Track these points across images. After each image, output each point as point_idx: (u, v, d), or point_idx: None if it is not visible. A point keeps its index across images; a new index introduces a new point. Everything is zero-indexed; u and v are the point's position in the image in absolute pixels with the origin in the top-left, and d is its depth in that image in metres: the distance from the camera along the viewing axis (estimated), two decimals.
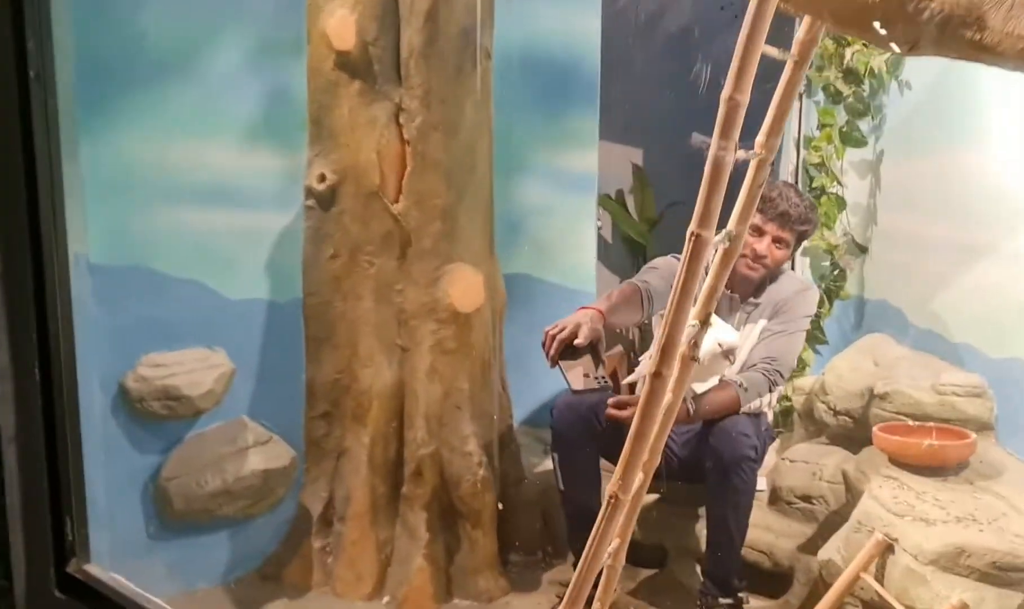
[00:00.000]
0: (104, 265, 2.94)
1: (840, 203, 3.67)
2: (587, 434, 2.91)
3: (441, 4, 3.03)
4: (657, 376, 1.70)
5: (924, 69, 3.36)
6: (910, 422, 2.78)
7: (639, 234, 5.36)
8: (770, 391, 2.92)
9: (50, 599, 2.96)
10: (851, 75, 3.56)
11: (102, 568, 2.54)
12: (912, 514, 2.37)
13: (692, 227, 1.65)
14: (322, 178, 3.08)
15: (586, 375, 2.99)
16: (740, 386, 2.81)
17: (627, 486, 1.81)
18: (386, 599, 3.16)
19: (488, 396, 3.24)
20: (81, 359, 2.82)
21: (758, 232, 2.91)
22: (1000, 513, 2.38)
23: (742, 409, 2.80)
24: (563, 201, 3.81)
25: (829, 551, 2.62)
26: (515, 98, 3.52)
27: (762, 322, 2.98)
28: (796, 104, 3.85)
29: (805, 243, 3.80)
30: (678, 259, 2.96)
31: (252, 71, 3.04)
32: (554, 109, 3.73)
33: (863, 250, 3.69)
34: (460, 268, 3.16)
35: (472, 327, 3.18)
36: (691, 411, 2.73)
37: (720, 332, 2.63)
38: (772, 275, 3.03)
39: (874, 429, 2.71)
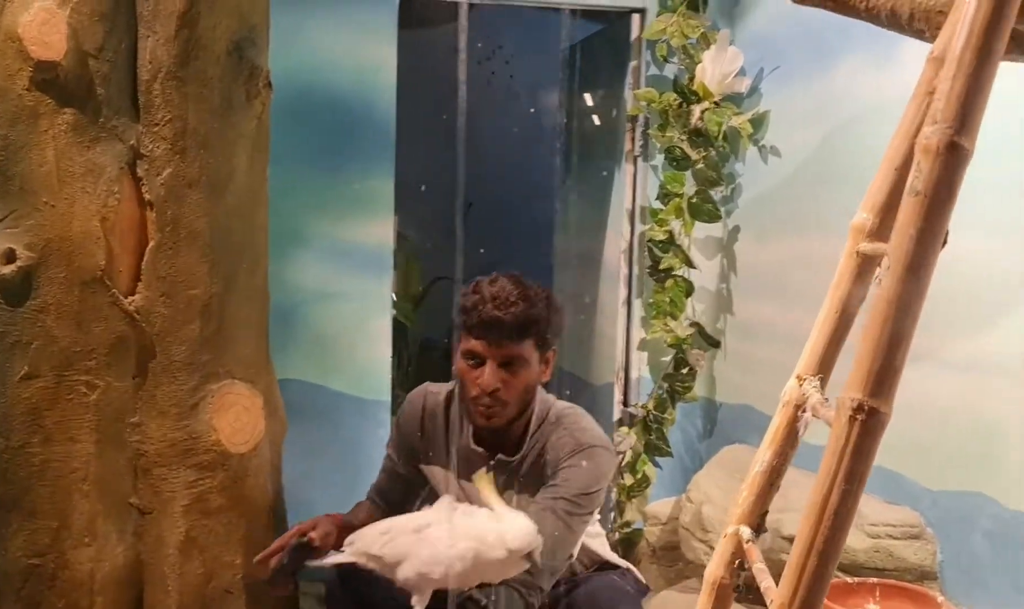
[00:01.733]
0: None
1: (687, 287, 3.09)
2: None
3: (202, 4, 2.09)
4: (872, 415, 0.88)
5: (794, 134, 2.87)
6: (848, 579, 2.17)
7: (403, 315, 4.57)
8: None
9: None
10: (699, 136, 3.00)
11: None
12: None
13: (949, 134, 0.85)
14: (10, 256, 2.01)
15: None
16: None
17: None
18: None
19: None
20: None
21: (472, 357, 2.12)
22: None
23: None
24: (352, 284, 2.93)
25: None
26: (292, 146, 2.62)
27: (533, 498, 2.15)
28: (629, 168, 3.26)
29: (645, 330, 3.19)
30: (431, 393, 2.13)
31: None
32: (342, 164, 2.86)
33: (714, 343, 3.13)
34: (230, 388, 2.21)
35: (247, 473, 2.22)
36: None
37: (510, 524, 1.88)
38: (530, 412, 2.19)
39: None
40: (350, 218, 2.94)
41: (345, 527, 2.21)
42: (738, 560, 1.13)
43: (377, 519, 2.25)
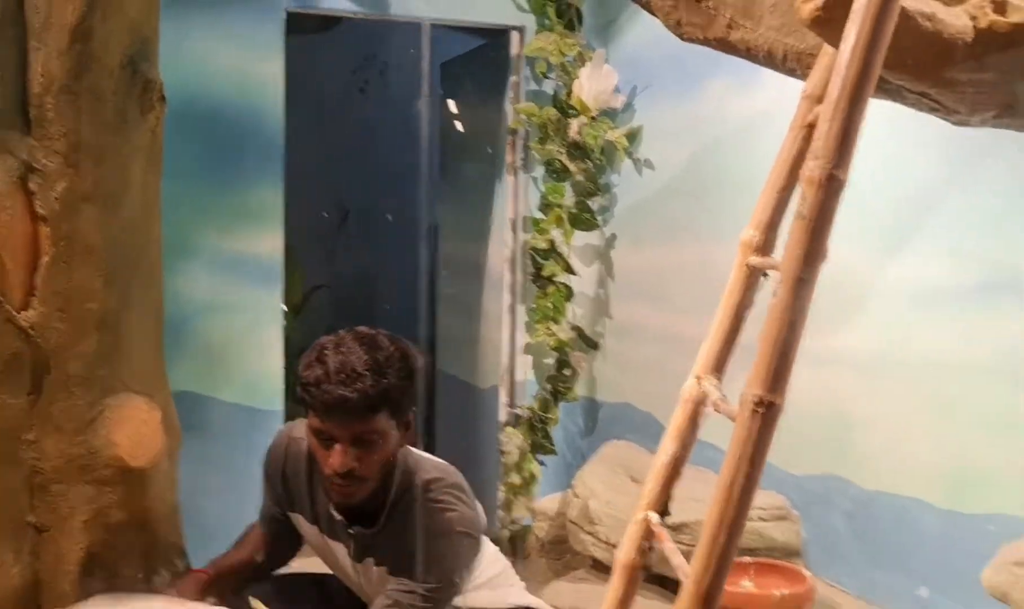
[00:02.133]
0: None
1: (568, 293, 3.24)
2: None
3: (95, 17, 2.09)
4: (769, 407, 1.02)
5: (666, 148, 3.06)
6: None
7: (286, 325, 4.57)
8: None
9: None
10: (578, 149, 3.16)
11: None
12: None
13: (825, 168, 1.00)
14: None
15: None
16: None
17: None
18: None
19: None
20: None
21: (322, 436, 1.91)
22: None
23: None
24: (243, 295, 2.94)
25: None
26: (180, 159, 2.61)
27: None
28: (511, 179, 3.39)
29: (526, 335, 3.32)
30: (293, 440, 2.07)
31: None
32: (231, 176, 2.87)
33: (593, 346, 3.30)
34: (128, 401, 2.20)
35: (148, 486, 2.21)
36: None
37: None
38: (391, 482, 2.01)
39: None
40: (240, 230, 2.95)
41: (214, 578, 2.17)
42: (647, 543, 1.25)
43: (262, 550, 2.26)
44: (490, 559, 2.20)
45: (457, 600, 2.07)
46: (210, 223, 2.86)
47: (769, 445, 1.00)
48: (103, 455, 2.15)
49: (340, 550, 2.08)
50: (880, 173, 2.32)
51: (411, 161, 4.95)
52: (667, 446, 1.27)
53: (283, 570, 2.34)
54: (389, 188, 5.28)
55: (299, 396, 1.94)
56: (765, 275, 1.21)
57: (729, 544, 1.00)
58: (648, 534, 1.25)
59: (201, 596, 2.13)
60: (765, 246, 1.23)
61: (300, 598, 2.26)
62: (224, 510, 2.53)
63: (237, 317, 2.94)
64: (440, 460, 2.16)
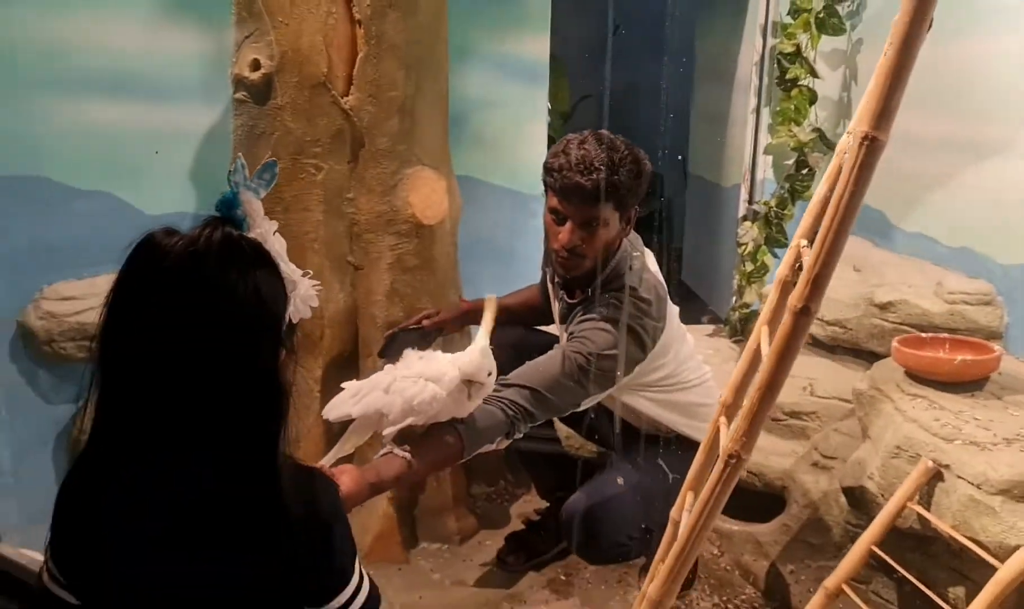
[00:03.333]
0: None
1: (811, 96, 3.42)
2: None
3: None
4: (804, 313, 1.40)
5: None
6: (921, 334, 2.60)
7: (552, 129, 5.02)
8: (508, 436, 2.10)
9: None
10: None
11: (9, 545, 2.07)
12: (960, 437, 2.19)
13: (865, 127, 1.32)
14: (256, 65, 2.56)
15: None
16: (461, 427, 1.99)
17: (750, 444, 1.52)
18: None
19: None
20: None
21: (556, 214, 2.23)
22: None
23: (467, 455, 2.03)
24: (512, 92, 3.39)
25: (856, 477, 2.44)
26: None
27: None
28: None
29: (768, 141, 3.55)
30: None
31: None
32: None
33: (832, 147, 3.47)
34: (421, 172, 2.74)
35: (435, 240, 2.78)
36: (412, 464, 1.92)
37: (464, 354, 1.95)
38: (605, 265, 2.26)
39: (894, 342, 2.51)
40: (511, 35, 3.36)
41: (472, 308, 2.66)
42: (798, 262, 1.60)
43: (535, 300, 2.68)
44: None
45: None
46: (486, 28, 3.30)
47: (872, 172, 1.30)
48: (402, 213, 2.73)
49: (555, 307, 2.49)
50: None
51: None
52: (820, 188, 1.59)
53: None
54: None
55: (543, 178, 2.27)
56: None
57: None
58: (798, 256, 1.59)
59: (462, 323, 2.67)
60: None
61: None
62: (493, 269, 3.03)
63: (507, 112, 3.40)
64: (654, 276, 2.35)
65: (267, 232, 1.19)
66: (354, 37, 2.62)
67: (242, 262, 1.09)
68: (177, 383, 1.06)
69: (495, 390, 2.07)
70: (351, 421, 1.98)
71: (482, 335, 1.97)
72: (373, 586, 1.25)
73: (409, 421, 1.90)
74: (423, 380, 1.89)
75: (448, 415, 1.95)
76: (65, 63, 2.45)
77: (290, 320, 1.17)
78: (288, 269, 1.18)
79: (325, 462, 2.07)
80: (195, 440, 1.07)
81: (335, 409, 2.00)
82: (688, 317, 3.13)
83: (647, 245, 2.46)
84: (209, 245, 1.08)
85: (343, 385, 2.03)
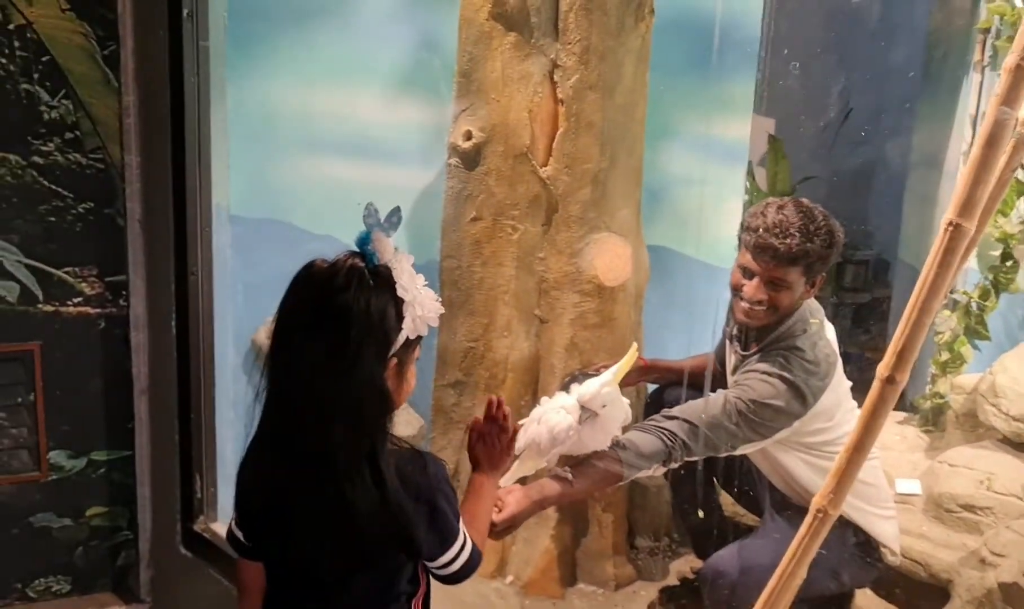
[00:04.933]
0: (243, 216, 2.84)
1: (1019, 187, 3.34)
2: None
3: None
4: (890, 381, 1.51)
5: None
6: None
7: None
8: (665, 464, 2.26)
9: (175, 555, 2.93)
10: None
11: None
12: None
13: (950, 215, 1.44)
14: (468, 136, 2.91)
15: None
16: (621, 451, 2.19)
17: (837, 501, 1.63)
18: (510, 579, 3.04)
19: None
20: (218, 313, 2.75)
21: (744, 270, 2.39)
22: None
23: (626, 478, 2.23)
24: (711, 171, 3.58)
25: (1012, 574, 2.39)
26: (669, 57, 3.29)
27: None
28: (976, 77, 3.53)
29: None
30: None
31: (403, 19, 2.91)
32: (709, 73, 3.48)
33: None
34: (607, 238, 2.98)
35: (616, 301, 2.99)
36: (572, 482, 2.15)
37: (585, 385, 2.10)
38: (780, 324, 2.38)
39: None
40: (715, 117, 3.56)
41: (650, 367, 2.85)
42: None
43: (699, 367, 2.77)
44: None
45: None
46: (690, 111, 3.50)
47: None
48: (587, 274, 2.96)
49: (730, 361, 2.62)
50: None
51: (903, 60, 5.08)
52: None
53: None
54: (884, 85, 5.44)
55: (739, 235, 2.42)
56: None
57: None
58: None
59: (637, 378, 2.87)
60: None
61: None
62: (682, 334, 3.17)
63: (706, 188, 3.58)
64: (828, 344, 2.43)
65: (397, 264, 1.43)
66: (556, 114, 2.91)
67: (360, 285, 1.36)
68: (307, 380, 1.35)
69: (656, 421, 2.29)
70: None
71: (610, 372, 2.12)
72: (475, 550, 1.50)
73: (557, 451, 2.09)
74: (563, 410, 2.08)
75: (592, 447, 2.15)
76: (315, 127, 2.93)
77: (407, 337, 1.42)
78: (410, 295, 1.41)
79: (503, 484, 2.37)
80: (322, 429, 1.36)
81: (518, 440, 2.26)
82: None
83: (863, 329, 2.56)
84: (337, 271, 1.37)
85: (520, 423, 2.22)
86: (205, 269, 2.63)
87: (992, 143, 1.34)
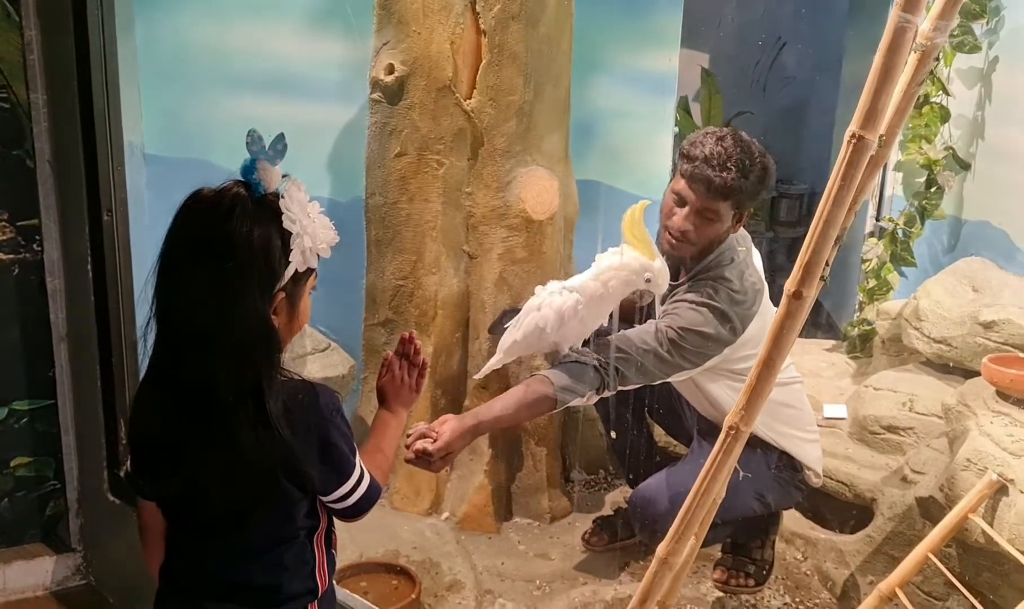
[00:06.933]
0: (161, 156, 2.77)
1: (943, 114, 3.38)
2: None
3: None
4: (796, 296, 1.51)
5: None
6: (1021, 354, 2.57)
7: None
8: (598, 392, 2.31)
9: (103, 502, 2.88)
10: None
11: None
12: None
13: (853, 127, 1.43)
14: (390, 69, 2.86)
15: None
16: (554, 377, 2.26)
17: (749, 417, 1.64)
18: (445, 515, 3.05)
19: None
20: (137, 255, 2.67)
21: (678, 198, 2.37)
22: None
23: (559, 405, 2.27)
24: (640, 104, 3.55)
25: (928, 488, 2.45)
26: None
27: None
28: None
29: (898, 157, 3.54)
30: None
31: None
32: (636, 5, 3.45)
33: (965, 166, 3.42)
34: (534, 172, 2.96)
35: (544, 235, 2.98)
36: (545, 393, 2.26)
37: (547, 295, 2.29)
38: (706, 255, 2.41)
39: (984, 360, 2.50)
40: (643, 50, 3.52)
41: None
42: None
43: None
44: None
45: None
46: (617, 43, 3.47)
47: None
48: (515, 208, 2.94)
49: None
50: None
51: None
52: None
53: None
54: (813, 24, 5.46)
55: (676, 159, 2.40)
56: None
57: None
58: None
59: None
60: None
61: None
62: None
63: (635, 122, 3.56)
64: (755, 273, 2.46)
65: (286, 193, 1.34)
66: (479, 46, 2.87)
67: (243, 214, 1.30)
68: (189, 313, 1.31)
69: (590, 349, 2.32)
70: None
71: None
72: (374, 483, 1.48)
73: (562, 332, 2.24)
74: (567, 291, 2.21)
75: (592, 327, 2.29)
76: (230, 63, 2.85)
77: (296, 270, 1.36)
78: (299, 226, 1.34)
79: (478, 377, 2.65)
80: (208, 363, 1.31)
81: (502, 345, 2.39)
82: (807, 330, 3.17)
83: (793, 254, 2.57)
84: (221, 200, 1.31)
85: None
86: (120, 209, 2.54)
87: (892, 50, 1.33)
